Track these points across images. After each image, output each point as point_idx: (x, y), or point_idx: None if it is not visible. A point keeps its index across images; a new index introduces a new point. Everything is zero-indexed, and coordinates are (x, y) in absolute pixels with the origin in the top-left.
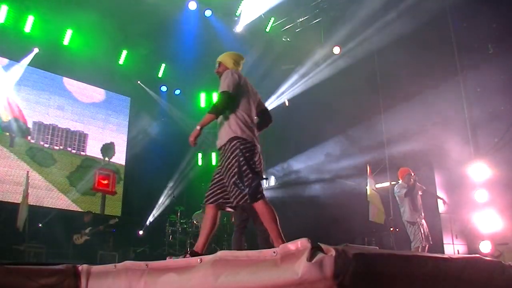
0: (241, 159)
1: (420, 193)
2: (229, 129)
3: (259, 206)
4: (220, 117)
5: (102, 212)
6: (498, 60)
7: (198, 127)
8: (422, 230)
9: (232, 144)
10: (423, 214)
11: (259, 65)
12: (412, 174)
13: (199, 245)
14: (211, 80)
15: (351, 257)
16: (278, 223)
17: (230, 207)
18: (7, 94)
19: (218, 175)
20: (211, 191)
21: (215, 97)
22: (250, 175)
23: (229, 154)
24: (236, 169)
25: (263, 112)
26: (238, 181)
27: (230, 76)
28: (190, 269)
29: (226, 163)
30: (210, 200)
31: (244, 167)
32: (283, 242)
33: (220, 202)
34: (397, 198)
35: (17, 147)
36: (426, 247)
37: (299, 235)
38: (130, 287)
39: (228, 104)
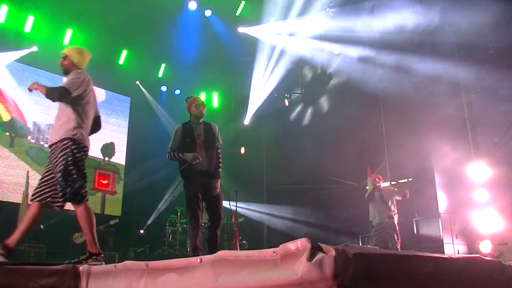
0: (69, 158)
1: (397, 197)
2: (63, 129)
3: (79, 208)
4: (58, 115)
5: (102, 212)
6: (498, 60)
7: (43, 90)
8: (388, 232)
9: (64, 143)
10: (391, 217)
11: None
12: (378, 180)
13: (13, 240)
14: (211, 80)
15: (351, 257)
16: (95, 227)
17: (58, 206)
18: (7, 94)
19: (48, 173)
20: (39, 189)
21: (214, 97)
22: (75, 176)
23: (58, 152)
24: (62, 167)
25: (96, 119)
26: (61, 179)
27: (81, 78)
28: (190, 269)
29: (55, 161)
30: (37, 199)
31: (71, 167)
32: (96, 247)
33: (48, 200)
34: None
35: (17, 147)
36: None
37: (299, 235)
38: (130, 287)
39: (60, 101)
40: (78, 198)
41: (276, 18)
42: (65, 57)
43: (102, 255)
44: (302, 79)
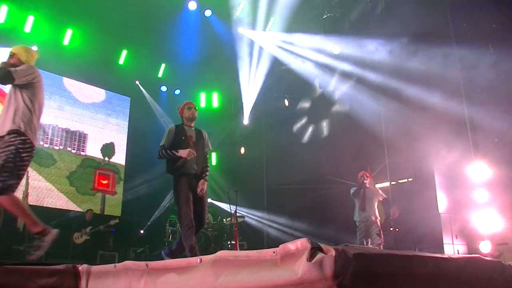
0: (11, 155)
1: (380, 198)
2: (12, 121)
3: (4, 200)
4: (6, 108)
5: (102, 212)
6: (498, 60)
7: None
8: (370, 229)
9: (12, 137)
10: (375, 216)
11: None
12: (366, 177)
13: None
14: (211, 80)
15: (351, 257)
16: (25, 206)
17: None
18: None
19: None
20: None
21: (214, 97)
22: (9, 173)
23: (4, 146)
24: (2, 162)
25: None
26: None
27: (29, 71)
28: (190, 269)
29: None
30: None
31: (10, 164)
32: (38, 224)
33: None
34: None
35: None
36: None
37: (299, 235)
38: (130, 287)
39: (1, 82)
40: (6, 192)
41: (276, 22)
42: (12, 55)
43: (48, 227)
44: (308, 91)
